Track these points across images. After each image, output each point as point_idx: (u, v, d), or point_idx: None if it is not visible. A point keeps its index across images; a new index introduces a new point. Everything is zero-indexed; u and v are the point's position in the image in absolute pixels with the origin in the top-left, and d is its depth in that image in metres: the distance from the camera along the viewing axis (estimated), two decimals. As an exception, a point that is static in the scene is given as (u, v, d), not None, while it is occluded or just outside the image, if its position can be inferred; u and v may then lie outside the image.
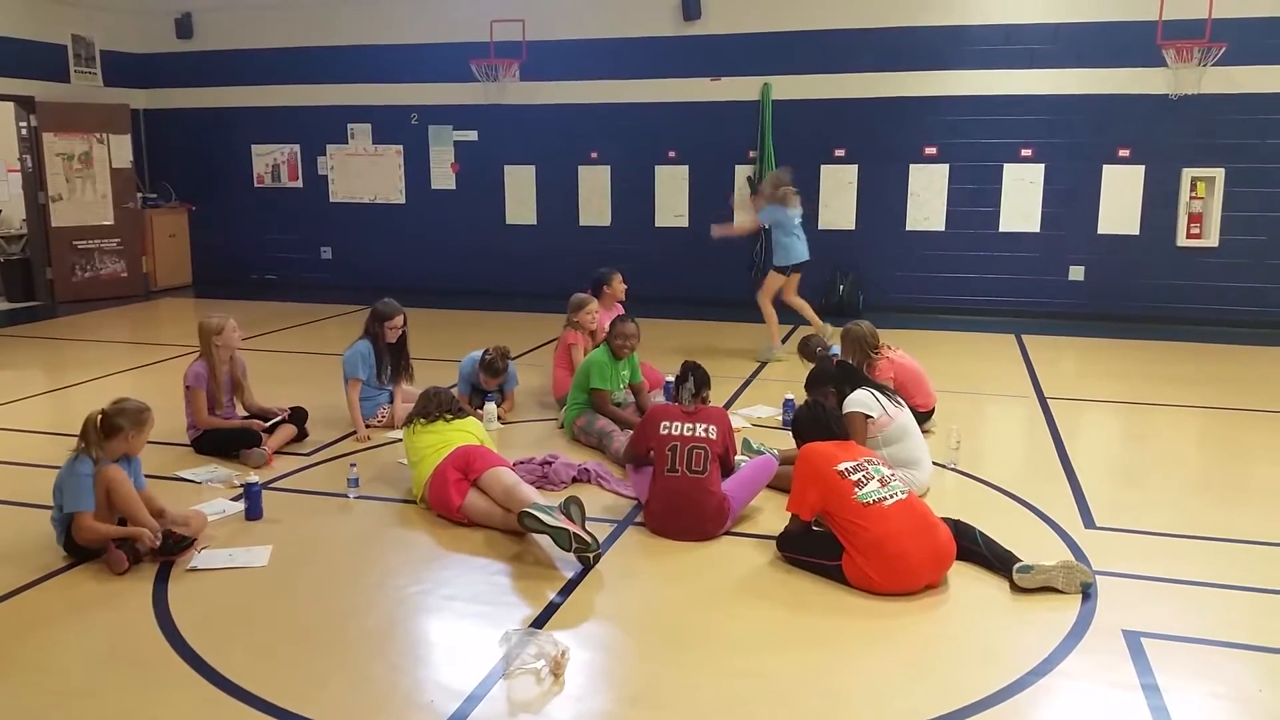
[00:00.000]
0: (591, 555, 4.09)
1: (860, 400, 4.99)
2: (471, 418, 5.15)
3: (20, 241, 12.06)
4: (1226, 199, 9.81)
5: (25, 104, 11.27)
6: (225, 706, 3.13)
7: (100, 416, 4.22)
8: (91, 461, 4.14)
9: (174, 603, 3.83)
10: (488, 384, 6.48)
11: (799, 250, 8.41)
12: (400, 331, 6.28)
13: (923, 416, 5.75)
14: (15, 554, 4.27)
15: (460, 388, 6.57)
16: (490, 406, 6.28)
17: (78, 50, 11.92)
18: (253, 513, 4.67)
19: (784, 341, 8.52)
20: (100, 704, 3.15)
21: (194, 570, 4.11)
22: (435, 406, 4.99)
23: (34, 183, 11.47)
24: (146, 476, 4.50)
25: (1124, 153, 10.03)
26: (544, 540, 4.22)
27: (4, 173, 12.77)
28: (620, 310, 7.42)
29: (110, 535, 4.11)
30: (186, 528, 4.29)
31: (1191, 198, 9.90)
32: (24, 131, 11.40)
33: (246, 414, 5.85)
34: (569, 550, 4.05)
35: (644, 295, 8.79)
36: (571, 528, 4.05)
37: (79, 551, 4.16)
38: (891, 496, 3.95)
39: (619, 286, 7.50)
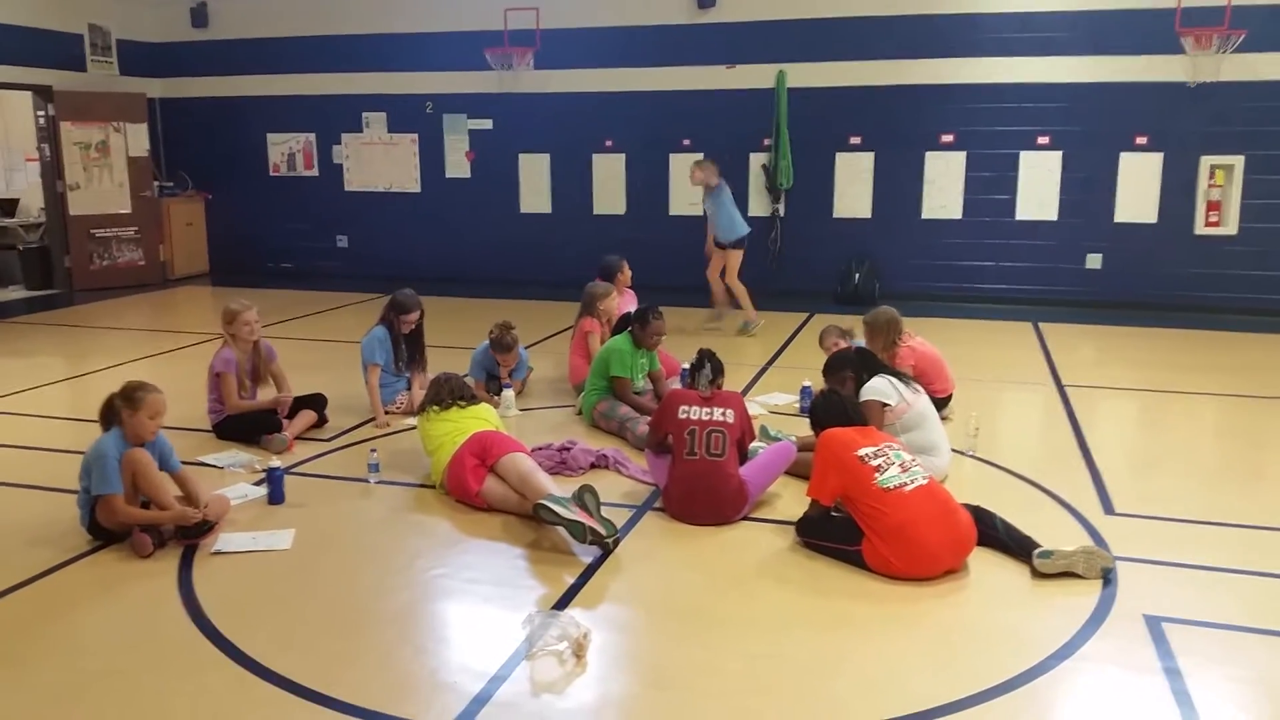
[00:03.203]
0: (610, 540, 4.11)
1: (877, 388, 4.98)
2: (485, 404, 5.19)
3: (39, 230, 12.14)
4: (1246, 187, 9.75)
5: (43, 93, 11.33)
6: (252, 687, 3.16)
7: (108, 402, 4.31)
8: (117, 444, 4.18)
9: (199, 585, 3.87)
10: (504, 362, 6.49)
11: (742, 223, 8.96)
12: (414, 325, 6.32)
13: (940, 402, 5.75)
14: (43, 537, 4.31)
15: (474, 374, 6.60)
16: (508, 393, 6.31)
17: (94, 39, 11.97)
18: (275, 497, 4.71)
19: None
20: (129, 684, 3.19)
21: (218, 553, 4.15)
22: (447, 393, 5.02)
23: (52, 171, 11.53)
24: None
25: (1141, 140, 9.97)
26: (561, 529, 4.24)
27: (22, 162, 12.86)
28: (631, 296, 7.48)
29: (137, 520, 4.14)
30: (209, 511, 4.32)
31: (1210, 185, 9.85)
32: (42, 121, 11.45)
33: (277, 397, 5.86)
34: (584, 542, 4.07)
35: (659, 283, 8.80)
36: (587, 521, 4.06)
37: (103, 534, 4.21)
38: (912, 482, 3.96)
39: (628, 273, 7.59)
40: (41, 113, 11.42)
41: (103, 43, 12.09)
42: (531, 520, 4.46)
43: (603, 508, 4.20)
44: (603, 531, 4.07)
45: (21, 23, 11.01)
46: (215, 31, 12.59)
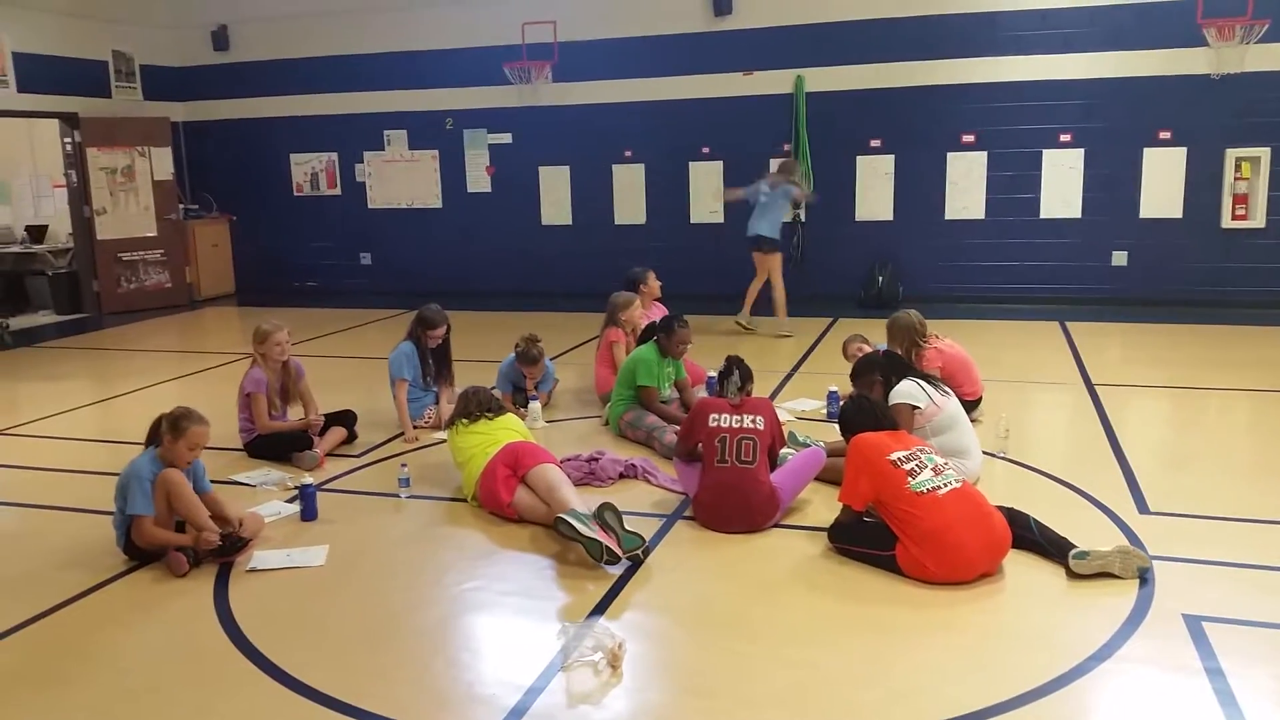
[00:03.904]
0: (641, 552, 4.09)
1: (906, 391, 4.95)
2: (512, 415, 5.21)
3: (67, 255, 12.29)
4: (1273, 178, 9.64)
5: (69, 120, 11.48)
6: (289, 703, 3.18)
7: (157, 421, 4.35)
8: (151, 464, 4.22)
9: (235, 602, 3.90)
10: (530, 375, 6.53)
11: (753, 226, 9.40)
12: (441, 340, 6.35)
13: (970, 405, 5.70)
14: (79, 558, 4.36)
15: (501, 387, 6.62)
16: (535, 405, 6.32)
17: (118, 66, 12.14)
18: (308, 514, 4.74)
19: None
20: (168, 701, 3.22)
21: (253, 571, 4.18)
22: (475, 406, 5.05)
23: (79, 197, 11.67)
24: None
25: (1165, 135, 9.89)
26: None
27: (50, 188, 13.04)
28: (659, 308, 7.47)
29: (168, 543, 4.18)
30: (243, 529, 4.35)
31: (1236, 178, 9.74)
32: (68, 147, 11.61)
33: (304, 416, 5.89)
34: (600, 560, 4.05)
35: (681, 292, 8.80)
36: (604, 539, 4.04)
37: (139, 554, 4.25)
38: (945, 485, 3.93)
39: (654, 284, 7.59)
40: (68, 139, 11.57)
41: (126, 69, 12.26)
42: (562, 532, 4.47)
43: (632, 518, 4.20)
44: (619, 551, 4.05)
45: (47, 52, 11.19)
46: (236, 54, 12.74)
